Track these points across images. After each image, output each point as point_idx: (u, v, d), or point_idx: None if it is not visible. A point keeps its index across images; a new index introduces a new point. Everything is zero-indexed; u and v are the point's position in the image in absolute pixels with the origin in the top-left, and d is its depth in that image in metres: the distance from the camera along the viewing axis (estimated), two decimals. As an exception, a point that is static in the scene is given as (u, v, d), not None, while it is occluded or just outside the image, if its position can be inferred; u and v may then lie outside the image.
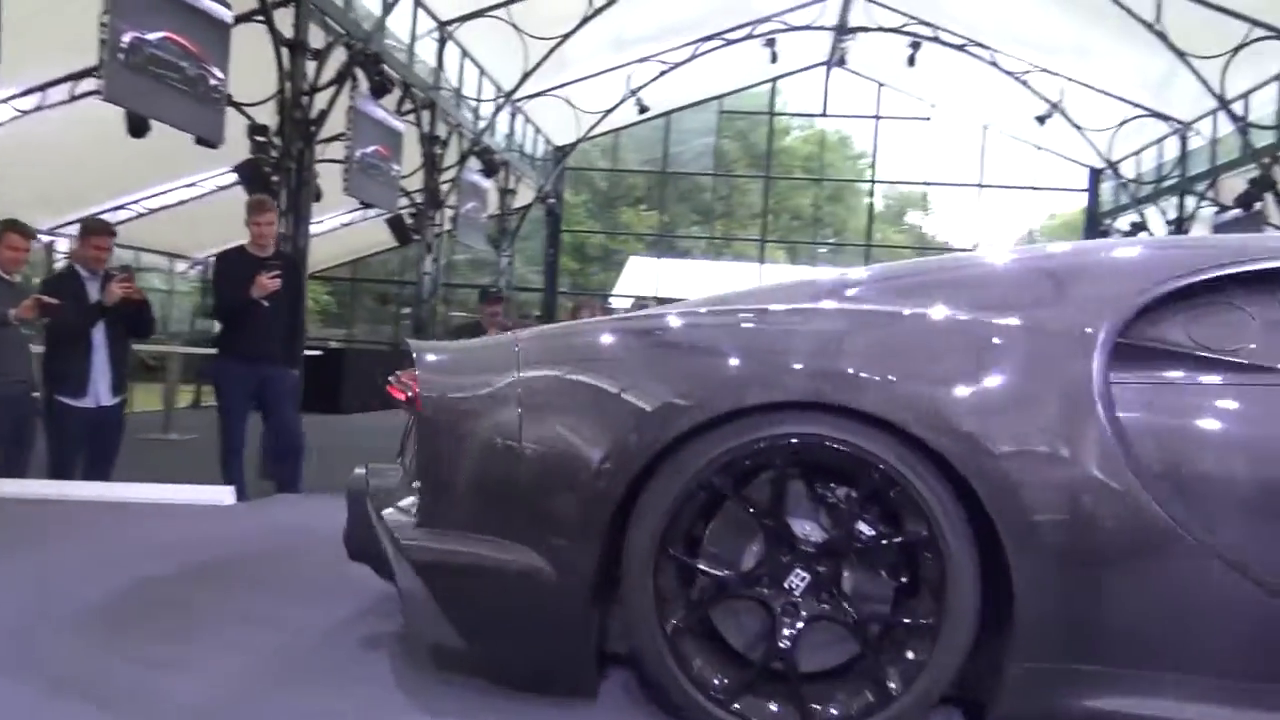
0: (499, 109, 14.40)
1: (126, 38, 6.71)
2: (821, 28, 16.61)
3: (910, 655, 2.11)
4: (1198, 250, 2.45)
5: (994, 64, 15.87)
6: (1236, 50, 11.62)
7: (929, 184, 19.87)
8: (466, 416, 2.31)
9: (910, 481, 2.08)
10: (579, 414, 2.23)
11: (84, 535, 4.00)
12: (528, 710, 2.26)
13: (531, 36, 13.00)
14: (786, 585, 2.16)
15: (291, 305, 5.78)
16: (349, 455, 5.46)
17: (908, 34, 15.81)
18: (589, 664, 2.23)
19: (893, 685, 2.10)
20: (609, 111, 16.77)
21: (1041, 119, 15.88)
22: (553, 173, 18.64)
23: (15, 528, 4.07)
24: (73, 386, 5.16)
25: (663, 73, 16.38)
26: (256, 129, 8.62)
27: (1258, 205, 12.39)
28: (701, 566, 2.19)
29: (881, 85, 19.32)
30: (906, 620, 2.13)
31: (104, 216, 8.82)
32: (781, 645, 2.14)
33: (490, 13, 12.56)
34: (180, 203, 14.49)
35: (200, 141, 7.90)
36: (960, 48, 15.92)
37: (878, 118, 19.83)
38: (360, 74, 9.86)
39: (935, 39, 15.83)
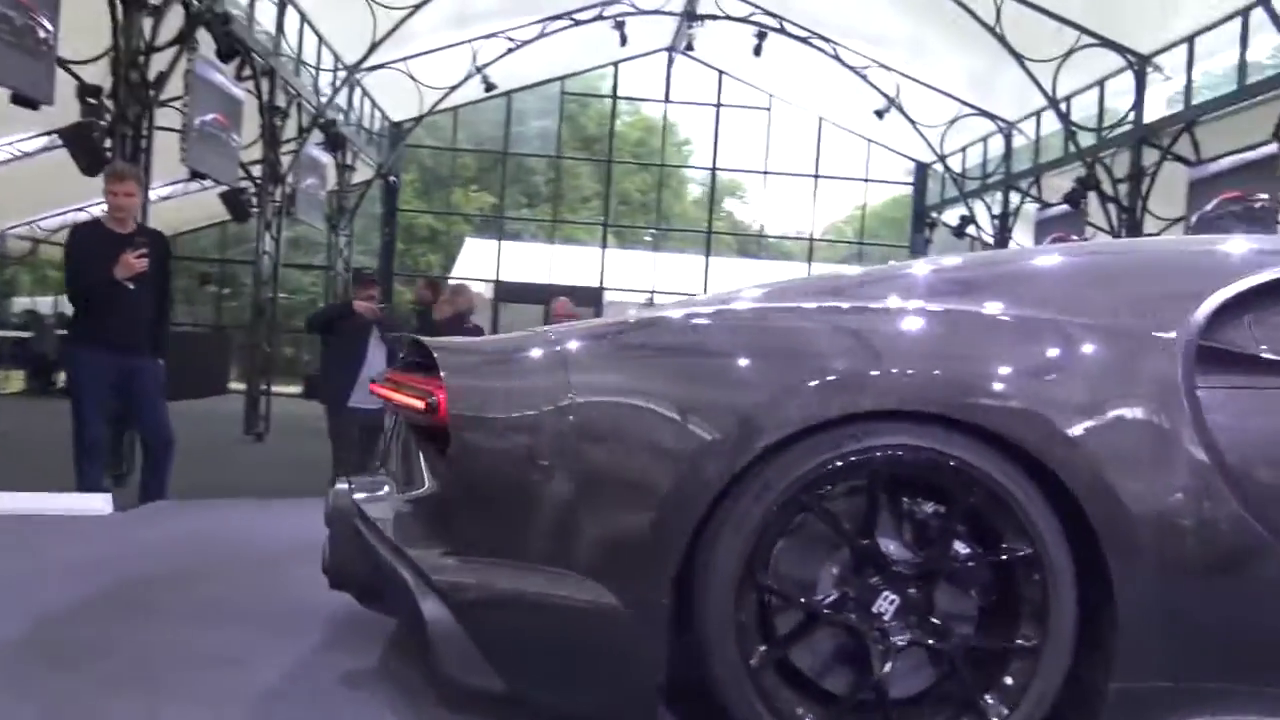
0: (345, 80, 13.60)
1: (-56, -20, 5.84)
2: (670, 13, 16.52)
3: (1010, 680, 1.98)
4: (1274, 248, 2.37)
5: (836, 57, 16.22)
6: (1068, 54, 12.27)
7: (767, 173, 20.14)
8: (509, 431, 2.02)
9: (1015, 496, 1.95)
10: (646, 425, 1.97)
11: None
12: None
13: (379, 4, 12.32)
14: (875, 610, 1.99)
15: (159, 288, 5.17)
16: (182, 450, 4.98)
17: (754, 24, 15.96)
18: (654, 703, 1.99)
19: (992, 713, 1.96)
20: (455, 88, 16.15)
21: (880, 113, 16.36)
22: (395, 149, 17.83)
23: None
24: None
25: (509, 50, 15.90)
26: (87, 90, 7.73)
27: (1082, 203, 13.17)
28: (791, 593, 1.99)
29: (723, 74, 19.45)
30: (1005, 643, 1.99)
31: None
32: (872, 675, 1.96)
33: (334, -23, 11.83)
34: (-27, 168, 12.98)
35: (19, 100, 7.01)
36: (804, 40, 16.19)
37: (718, 105, 19.97)
38: (201, 35, 9.02)
39: (780, 30, 16.03)
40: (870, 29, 15.40)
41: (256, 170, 11.66)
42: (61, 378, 12.23)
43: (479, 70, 15.77)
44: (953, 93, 16.15)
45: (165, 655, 2.56)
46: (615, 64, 19.50)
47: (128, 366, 4.97)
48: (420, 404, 2.10)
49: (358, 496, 2.38)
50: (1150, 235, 12.52)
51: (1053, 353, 2.07)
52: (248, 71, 10.80)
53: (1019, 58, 12.62)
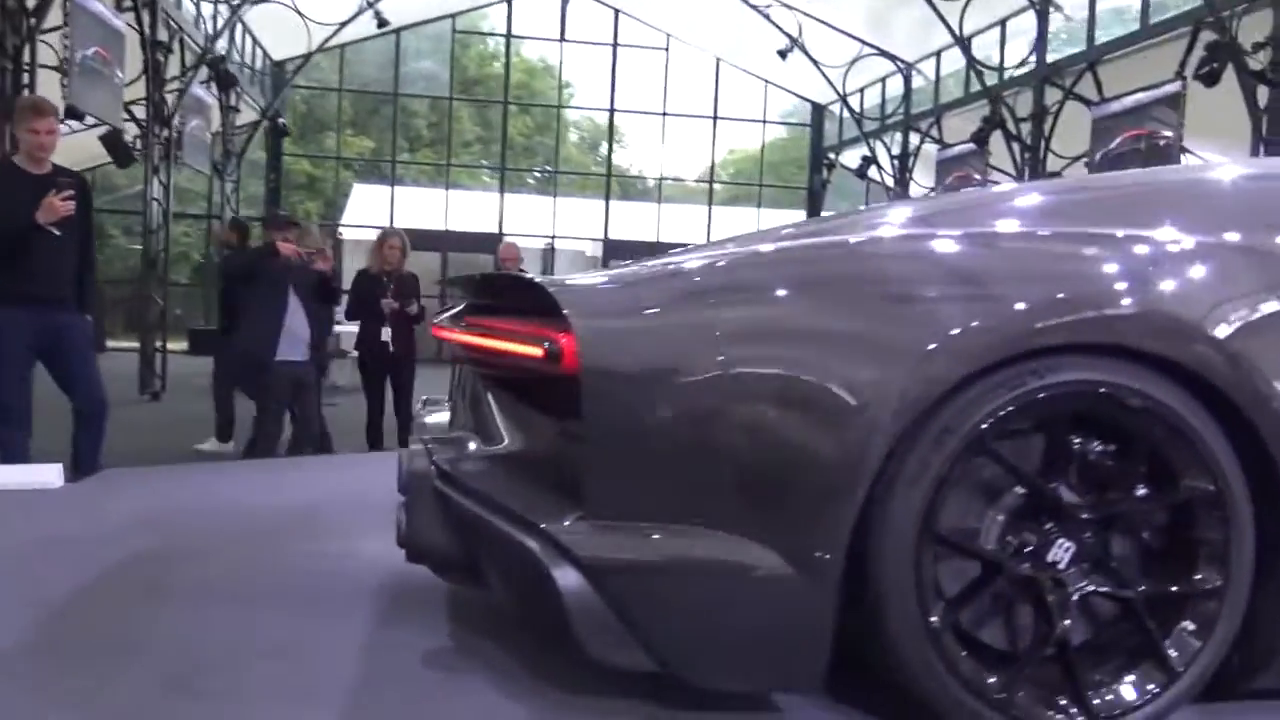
0: (233, 14, 12.70)
1: None
2: (567, -53, 16.01)
3: (1191, 625, 1.87)
4: None
5: (737, -4, 16.01)
6: (977, -7, 12.36)
7: (666, 114, 19.86)
8: (652, 380, 1.77)
9: (1198, 432, 1.82)
10: (811, 367, 1.76)
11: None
12: None
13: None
14: (1051, 559, 1.85)
15: (84, 235, 4.65)
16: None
17: (655, -41, 15.60)
18: (821, 673, 1.80)
19: (1175, 660, 1.85)
20: (346, 23, 15.30)
21: (783, 53, 16.24)
22: (278, 89, 16.85)
23: None
24: None
25: (400, -16, 15.15)
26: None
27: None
28: (969, 546, 1.82)
29: (619, 12, 19.02)
30: (1185, 588, 1.87)
31: None
32: (1052, 628, 1.82)
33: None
34: None
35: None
36: (705, -23, 15.93)
37: (615, 45, 19.55)
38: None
39: (682, -34, 15.73)
40: (773, -34, 15.23)
41: (138, 113, 10.81)
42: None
43: (370, 4, 14.97)
44: (853, 32, 16.15)
45: (206, 647, 2.24)
46: (508, 0, 18.85)
47: (53, 323, 4.47)
48: (537, 351, 1.83)
49: (440, 460, 2.11)
50: (1053, 174, 12.83)
51: (1238, 279, 1.93)
52: (129, 2, 9.94)
53: (928, -3, 12.65)
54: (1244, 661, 1.92)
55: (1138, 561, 1.90)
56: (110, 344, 15.32)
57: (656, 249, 17.84)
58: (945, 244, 2.01)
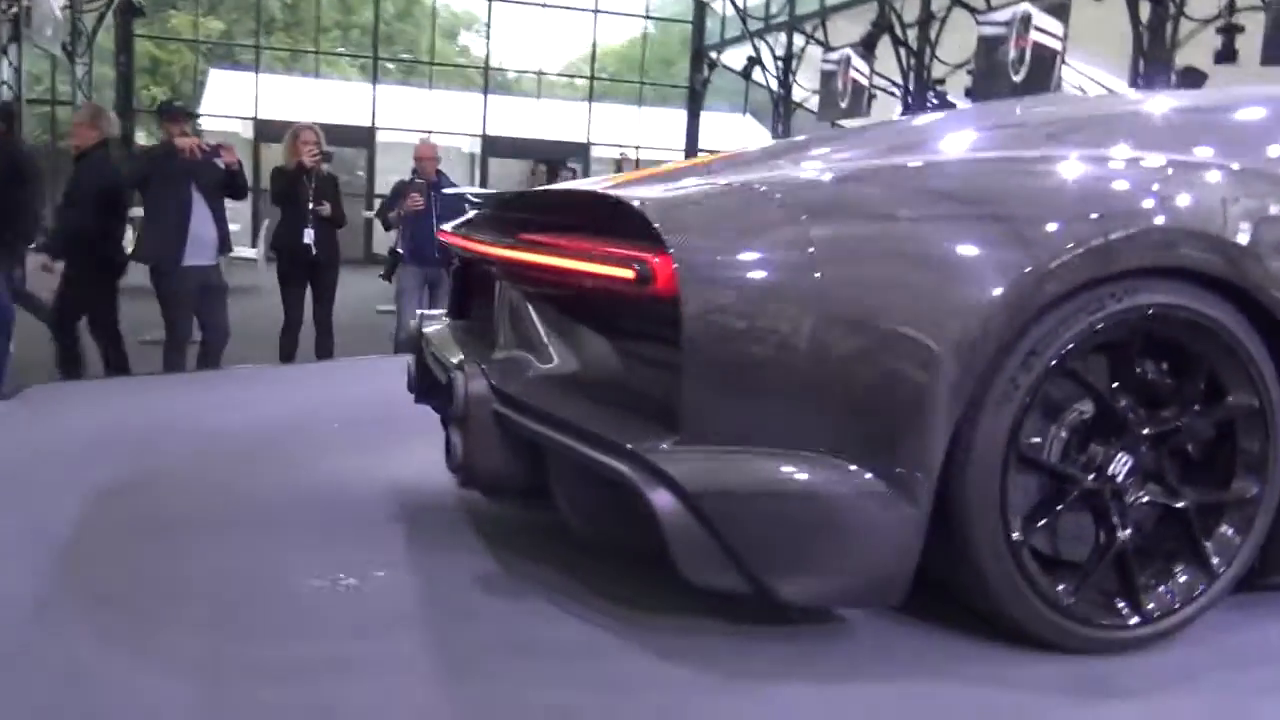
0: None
1: None
2: None
3: (1229, 531, 2.01)
4: None
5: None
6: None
7: (545, 5, 19.21)
8: (749, 301, 1.75)
9: (1249, 350, 1.93)
10: (909, 289, 1.77)
11: None
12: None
13: None
14: (1112, 472, 1.95)
15: None
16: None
17: None
18: (906, 587, 1.86)
19: (1216, 563, 1.99)
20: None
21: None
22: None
23: None
24: None
25: None
26: None
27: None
28: (1047, 463, 1.90)
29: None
30: (1229, 497, 2.01)
31: None
32: (1113, 538, 1.93)
33: None
34: None
35: None
36: None
37: (490, -70, 18.69)
38: None
39: None
40: None
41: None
42: None
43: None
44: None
45: (244, 585, 2.15)
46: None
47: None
48: (626, 273, 1.78)
49: (500, 383, 2.04)
50: (936, 80, 13.10)
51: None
52: None
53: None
54: (1264, 562, 2.08)
55: (1179, 472, 2.02)
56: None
57: (537, 147, 17.48)
58: (1042, 166, 2.05)
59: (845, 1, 14.87)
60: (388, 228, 7.28)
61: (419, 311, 2.90)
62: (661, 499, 1.74)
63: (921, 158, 2.14)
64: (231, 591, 2.11)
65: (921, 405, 1.76)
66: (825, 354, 1.75)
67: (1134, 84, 9.86)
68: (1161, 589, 1.98)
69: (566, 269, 1.95)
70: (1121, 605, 1.94)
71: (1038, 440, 1.91)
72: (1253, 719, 1.82)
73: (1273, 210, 2.00)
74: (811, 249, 1.77)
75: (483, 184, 17.64)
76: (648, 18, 19.93)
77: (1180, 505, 1.97)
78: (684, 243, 1.75)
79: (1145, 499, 1.97)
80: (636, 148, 18.75)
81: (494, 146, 18.43)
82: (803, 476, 1.77)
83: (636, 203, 1.82)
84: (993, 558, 1.84)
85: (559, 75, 21.10)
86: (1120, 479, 1.95)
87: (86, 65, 14.05)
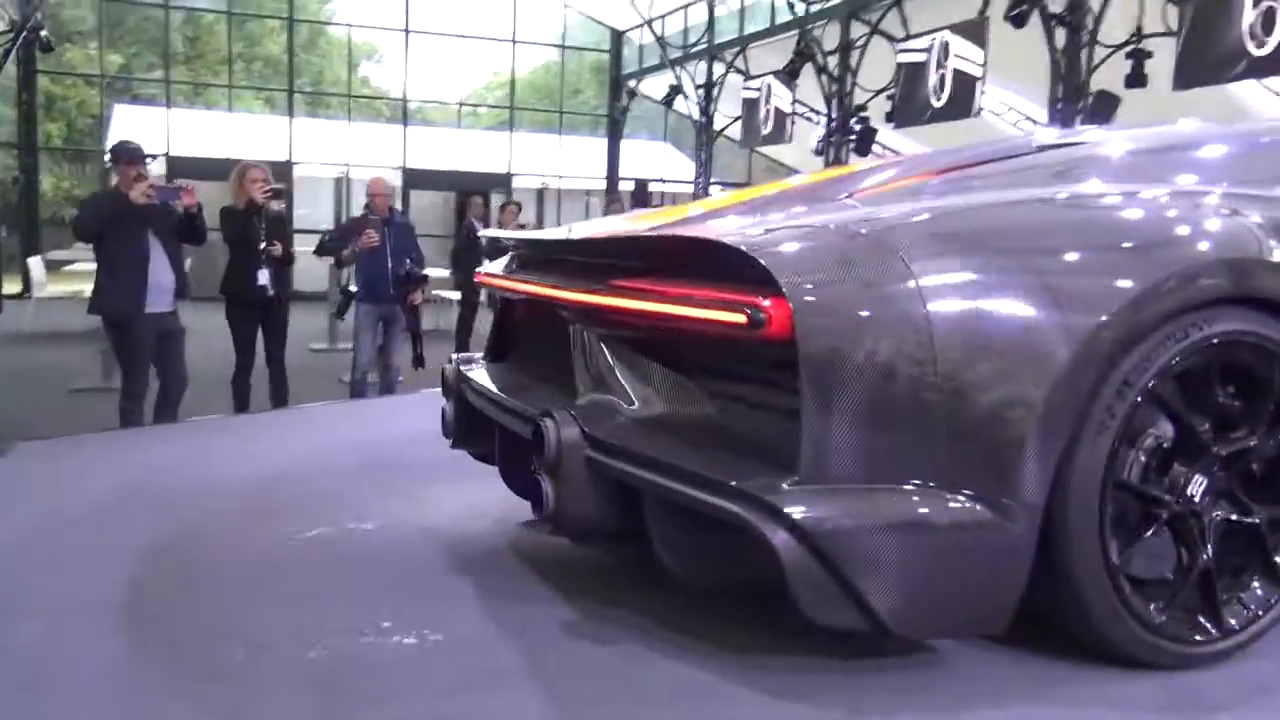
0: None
1: None
2: None
3: (1292, 544, 2.11)
4: None
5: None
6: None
7: (463, 36, 19.12)
8: (862, 340, 1.78)
9: (1313, 374, 2.04)
10: (1015, 322, 1.83)
11: None
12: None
13: None
14: (1191, 494, 2.03)
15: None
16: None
17: None
18: (1009, 618, 1.90)
19: (1283, 575, 2.09)
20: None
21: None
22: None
23: None
24: None
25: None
26: None
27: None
28: (1141, 489, 1.96)
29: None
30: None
31: None
32: (1195, 557, 2.01)
33: None
34: None
35: None
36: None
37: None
38: None
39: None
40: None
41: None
42: None
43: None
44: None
45: (326, 644, 2.08)
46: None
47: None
48: (739, 318, 1.80)
49: (589, 428, 2.03)
50: (858, 106, 13.43)
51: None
52: None
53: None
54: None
55: (1244, 489, 2.12)
56: None
57: (459, 179, 17.35)
58: (1139, 199, 2.14)
59: (763, 30, 15.17)
60: (339, 265, 7.16)
61: (452, 355, 2.86)
62: (781, 539, 1.75)
63: (1018, 194, 2.21)
64: (314, 651, 2.04)
65: (1029, 435, 1.80)
66: (937, 389, 1.79)
67: (1053, 108, 10.26)
68: (1234, 603, 2.06)
69: (666, 314, 1.95)
70: (1205, 621, 2.02)
71: (1130, 465, 1.98)
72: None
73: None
74: (921, 284, 1.81)
75: (403, 214, 17.40)
76: (564, 47, 19.99)
77: (1252, 521, 2.06)
78: (798, 285, 1.78)
79: (1220, 516, 2.05)
80: (559, 177, 18.80)
81: (415, 179, 18.24)
82: (920, 511, 1.80)
83: (744, 247, 1.83)
84: (1094, 583, 1.90)
85: (481, 106, 20.99)
86: (1198, 499, 2.03)
87: (-10, 103, 13.49)
